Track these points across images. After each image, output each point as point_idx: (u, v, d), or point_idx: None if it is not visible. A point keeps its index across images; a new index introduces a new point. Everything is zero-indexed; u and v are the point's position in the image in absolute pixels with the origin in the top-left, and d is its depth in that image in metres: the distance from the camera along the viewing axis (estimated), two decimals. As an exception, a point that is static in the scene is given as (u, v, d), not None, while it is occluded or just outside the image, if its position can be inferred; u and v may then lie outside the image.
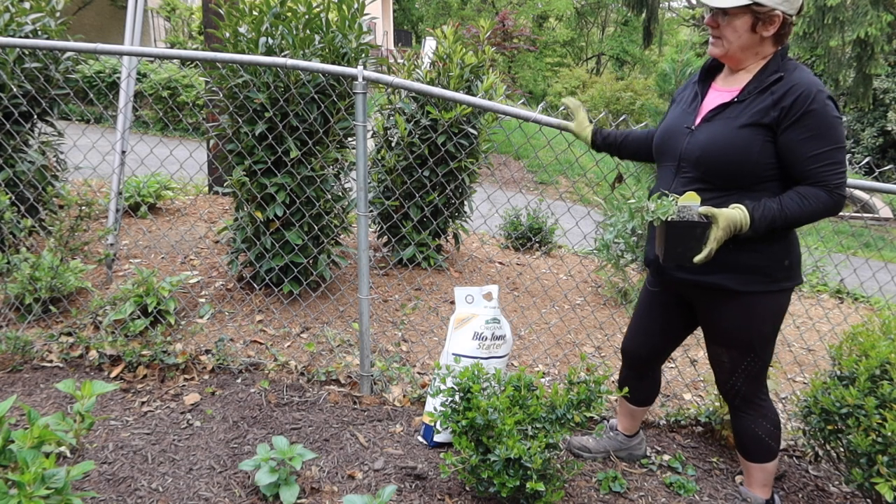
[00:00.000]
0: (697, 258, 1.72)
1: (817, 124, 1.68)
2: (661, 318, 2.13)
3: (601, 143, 2.25)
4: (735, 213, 1.71)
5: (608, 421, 2.51)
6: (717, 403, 2.64)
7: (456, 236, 4.58)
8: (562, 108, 2.42)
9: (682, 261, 1.76)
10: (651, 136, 2.16)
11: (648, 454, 2.46)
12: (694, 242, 1.74)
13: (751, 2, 1.71)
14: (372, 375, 2.74)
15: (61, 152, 3.83)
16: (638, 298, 2.23)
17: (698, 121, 1.86)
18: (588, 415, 2.51)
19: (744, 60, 1.81)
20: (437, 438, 2.36)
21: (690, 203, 1.73)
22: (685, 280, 1.91)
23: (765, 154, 1.73)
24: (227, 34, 3.10)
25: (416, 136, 4.06)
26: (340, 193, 3.52)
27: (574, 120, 2.31)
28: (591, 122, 2.32)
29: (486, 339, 2.38)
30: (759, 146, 1.73)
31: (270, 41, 3.03)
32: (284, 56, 3.00)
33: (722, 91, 1.87)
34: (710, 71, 1.95)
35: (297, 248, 3.26)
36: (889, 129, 18.26)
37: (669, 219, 1.72)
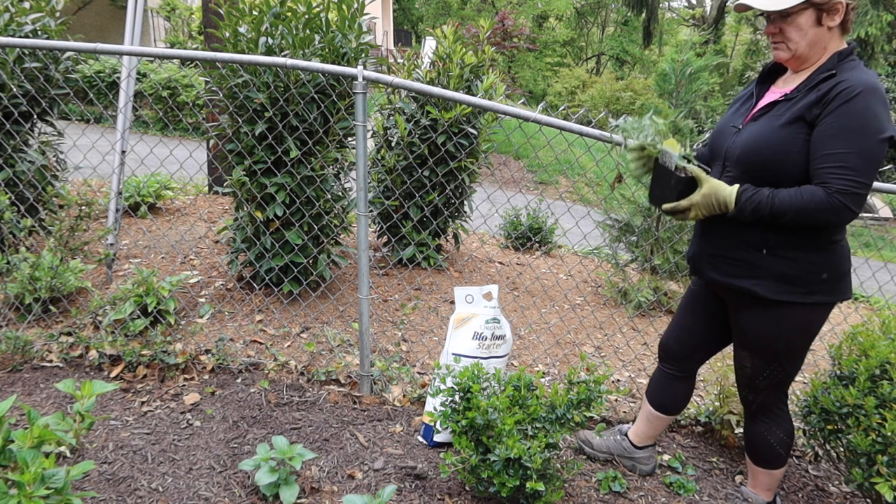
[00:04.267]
0: (664, 206, 1.80)
1: (846, 123, 1.59)
2: (702, 318, 2.10)
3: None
4: (723, 188, 1.72)
5: (620, 426, 2.48)
6: (716, 403, 2.64)
7: (456, 236, 4.58)
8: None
9: (657, 203, 1.85)
10: None
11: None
12: (668, 191, 1.80)
13: None
14: (372, 375, 2.74)
15: (61, 152, 3.83)
16: (682, 296, 2.22)
17: (747, 120, 1.83)
18: (588, 415, 2.51)
19: (811, 58, 1.74)
20: (437, 438, 2.36)
21: (670, 150, 1.78)
22: (717, 281, 1.89)
23: (805, 154, 1.67)
24: (227, 34, 3.10)
25: (416, 135, 4.06)
26: (340, 193, 3.52)
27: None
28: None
29: (486, 338, 2.38)
30: (799, 145, 1.67)
31: (270, 41, 3.03)
32: (284, 56, 3.00)
33: (777, 92, 1.83)
34: (772, 73, 1.91)
35: (297, 247, 3.26)
36: (889, 128, 18.25)
37: (656, 158, 1.81)
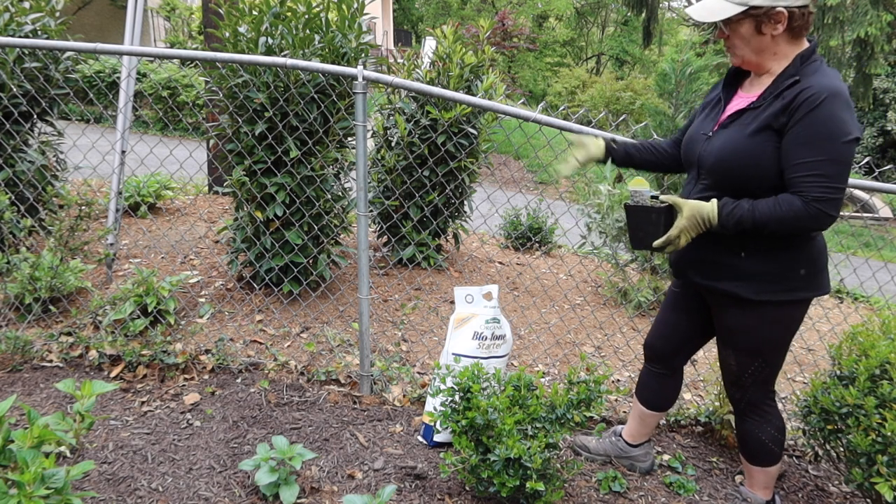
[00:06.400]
0: (655, 243, 1.78)
1: (814, 131, 1.60)
2: (685, 316, 2.12)
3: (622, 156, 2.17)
4: (704, 206, 1.73)
5: (615, 427, 2.49)
6: (716, 403, 2.64)
7: (456, 236, 4.58)
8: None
9: (643, 245, 1.82)
10: (675, 144, 2.12)
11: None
12: (651, 227, 1.79)
13: (746, 7, 1.67)
14: (372, 375, 2.74)
15: (61, 152, 3.83)
16: (665, 296, 2.24)
17: (716, 127, 1.84)
18: (588, 415, 2.51)
19: (764, 64, 1.75)
20: (437, 438, 2.36)
21: (639, 188, 1.80)
22: (700, 284, 1.92)
23: (775, 161, 1.68)
24: (227, 34, 3.10)
25: (416, 135, 4.06)
26: (340, 193, 3.52)
27: (583, 150, 2.25)
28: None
29: (486, 338, 2.38)
30: (769, 153, 1.68)
31: (270, 41, 3.03)
32: (284, 56, 3.00)
33: (743, 97, 1.83)
34: (737, 75, 1.90)
35: (296, 247, 3.26)
36: (889, 129, 18.25)
37: (626, 203, 1.81)
